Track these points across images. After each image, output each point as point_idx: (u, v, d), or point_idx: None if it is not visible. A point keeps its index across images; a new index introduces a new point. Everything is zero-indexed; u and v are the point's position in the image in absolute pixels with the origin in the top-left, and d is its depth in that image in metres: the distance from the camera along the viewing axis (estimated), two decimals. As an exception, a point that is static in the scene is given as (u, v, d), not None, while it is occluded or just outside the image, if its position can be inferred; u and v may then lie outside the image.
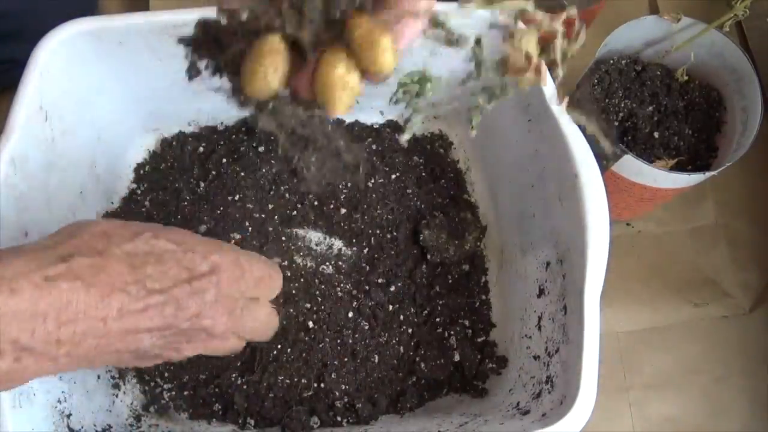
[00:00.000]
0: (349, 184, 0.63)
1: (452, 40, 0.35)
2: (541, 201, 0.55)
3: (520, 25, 0.34)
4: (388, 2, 0.29)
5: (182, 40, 0.30)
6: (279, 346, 0.55)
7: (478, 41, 0.34)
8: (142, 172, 0.63)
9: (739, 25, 0.75)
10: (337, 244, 0.61)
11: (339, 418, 0.55)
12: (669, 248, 0.68)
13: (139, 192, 0.62)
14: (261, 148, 0.63)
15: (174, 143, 0.64)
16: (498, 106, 0.60)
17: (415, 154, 0.66)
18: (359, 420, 0.55)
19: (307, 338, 0.56)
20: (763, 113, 0.58)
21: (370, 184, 0.63)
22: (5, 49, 0.59)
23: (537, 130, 0.54)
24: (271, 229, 0.60)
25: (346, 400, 0.55)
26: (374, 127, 0.67)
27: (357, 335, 0.57)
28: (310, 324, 0.57)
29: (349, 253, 0.61)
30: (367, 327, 0.57)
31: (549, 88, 0.52)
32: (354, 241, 0.61)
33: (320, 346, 0.56)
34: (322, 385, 0.55)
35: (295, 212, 0.61)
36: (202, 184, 0.62)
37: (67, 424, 0.48)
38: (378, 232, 0.61)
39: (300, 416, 0.54)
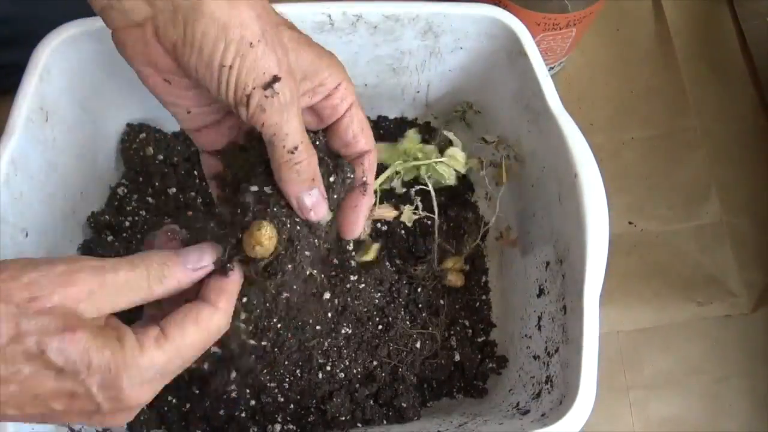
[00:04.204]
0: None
1: None
2: (541, 201, 0.55)
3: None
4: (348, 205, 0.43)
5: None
6: (277, 348, 0.56)
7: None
8: (143, 172, 0.63)
9: (737, 25, 0.75)
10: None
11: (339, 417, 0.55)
12: (672, 247, 0.68)
13: (139, 193, 0.63)
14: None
15: (176, 143, 0.64)
16: (498, 105, 0.61)
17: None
18: (359, 420, 0.55)
19: (306, 337, 0.56)
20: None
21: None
22: (7, 54, 0.59)
23: (536, 130, 0.54)
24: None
25: (345, 400, 0.55)
26: (380, 123, 0.67)
27: (356, 335, 0.57)
28: (312, 321, 0.57)
29: (349, 249, 0.61)
30: (367, 326, 0.57)
31: (549, 87, 0.52)
32: (353, 240, 0.61)
33: (316, 345, 0.56)
34: (322, 384, 0.55)
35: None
36: (203, 184, 0.62)
37: (68, 424, 0.48)
38: (378, 229, 0.61)
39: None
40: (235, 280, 0.38)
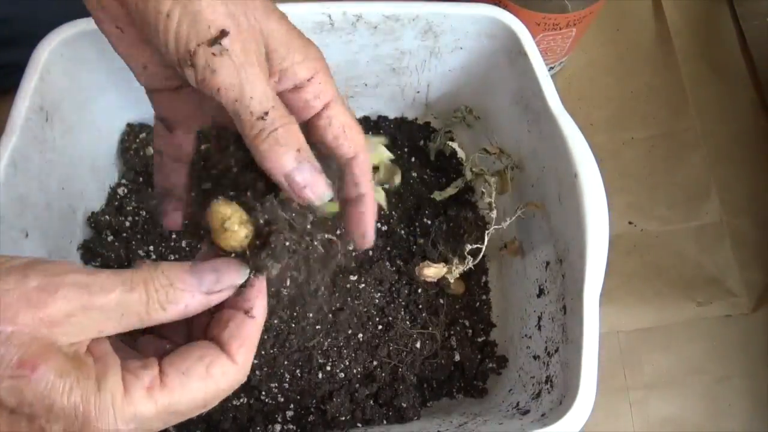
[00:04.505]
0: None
1: None
2: (541, 201, 0.55)
3: None
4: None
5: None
6: (277, 348, 0.56)
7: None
8: (143, 172, 0.63)
9: (737, 25, 0.75)
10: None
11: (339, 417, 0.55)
12: (672, 247, 0.68)
13: (139, 193, 0.62)
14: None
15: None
16: (498, 105, 0.61)
17: (417, 155, 0.66)
18: (359, 420, 0.55)
19: (306, 337, 0.56)
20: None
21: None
22: (7, 54, 0.59)
23: (536, 130, 0.54)
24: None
25: (345, 400, 0.55)
26: (380, 123, 0.67)
27: (356, 335, 0.57)
28: (312, 321, 0.57)
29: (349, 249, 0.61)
30: (367, 326, 0.57)
31: (549, 87, 0.52)
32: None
33: (316, 345, 0.56)
34: (322, 384, 0.55)
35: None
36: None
37: None
38: (378, 229, 0.62)
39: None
40: (259, 323, 0.32)
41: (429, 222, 0.62)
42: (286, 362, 0.55)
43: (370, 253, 0.61)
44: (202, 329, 0.33)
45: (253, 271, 0.32)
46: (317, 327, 0.57)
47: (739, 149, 0.72)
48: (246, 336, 0.31)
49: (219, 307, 0.32)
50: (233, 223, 0.30)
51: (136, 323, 0.29)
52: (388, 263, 0.60)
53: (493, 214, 0.57)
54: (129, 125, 0.63)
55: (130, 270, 0.29)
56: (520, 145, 0.58)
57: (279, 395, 0.55)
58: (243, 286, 0.32)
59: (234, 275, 0.31)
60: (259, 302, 0.32)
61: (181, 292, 0.29)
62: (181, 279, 0.29)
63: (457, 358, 0.58)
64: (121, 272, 0.29)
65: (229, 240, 0.31)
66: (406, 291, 0.59)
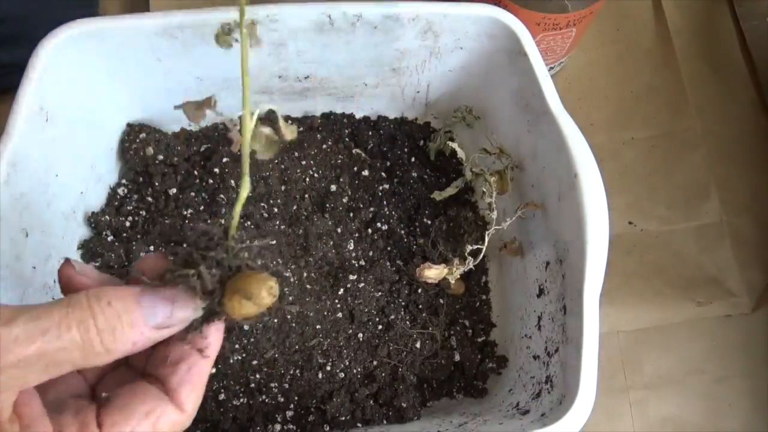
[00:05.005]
0: (356, 184, 0.63)
1: None
2: (541, 201, 0.55)
3: None
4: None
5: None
6: (277, 348, 0.56)
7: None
8: (143, 172, 0.63)
9: (737, 25, 0.75)
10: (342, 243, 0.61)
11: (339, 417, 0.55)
12: (672, 247, 0.68)
13: (139, 193, 0.63)
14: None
15: (176, 143, 0.64)
16: (498, 105, 0.61)
17: (417, 155, 0.66)
18: (359, 420, 0.55)
19: (306, 337, 0.56)
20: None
21: (376, 185, 0.63)
22: (7, 53, 0.59)
23: (536, 130, 0.54)
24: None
25: (345, 400, 0.55)
26: (380, 123, 0.67)
27: (356, 335, 0.57)
28: (312, 321, 0.57)
29: (350, 249, 0.61)
30: (367, 326, 0.57)
31: (549, 87, 0.52)
32: (353, 240, 0.61)
33: (316, 345, 0.56)
34: (322, 384, 0.55)
35: (295, 207, 0.61)
36: (203, 185, 0.62)
37: None
38: (378, 229, 0.62)
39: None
40: (211, 361, 0.28)
41: (429, 222, 0.62)
42: (286, 362, 0.55)
43: (371, 253, 0.61)
44: (142, 355, 0.29)
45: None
46: (317, 327, 0.57)
47: (739, 149, 0.72)
48: (198, 380, 0.28)
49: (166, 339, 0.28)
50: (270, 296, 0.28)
51: (68, 370, 0.25)
52: (388, 263, 0.60)
53: (493, 214, 0.57)
54: (129, 125, 0.63)
55: (62, 307, 0.25)
56: (520, 145, 0.58)
57: (279, 395, 0.55)
58: (205, 322, 0.29)
59: (189, 310, 0.27)
60: (215, 339, 0.29)
61: (129, 329, 0.25)
62: (130, 311, 0.25)
63: (457, 358, 0.58)
64: (50, 313, 0.24)
65: (255, 310, 0.28)
66: (406, 291, 0.59)
